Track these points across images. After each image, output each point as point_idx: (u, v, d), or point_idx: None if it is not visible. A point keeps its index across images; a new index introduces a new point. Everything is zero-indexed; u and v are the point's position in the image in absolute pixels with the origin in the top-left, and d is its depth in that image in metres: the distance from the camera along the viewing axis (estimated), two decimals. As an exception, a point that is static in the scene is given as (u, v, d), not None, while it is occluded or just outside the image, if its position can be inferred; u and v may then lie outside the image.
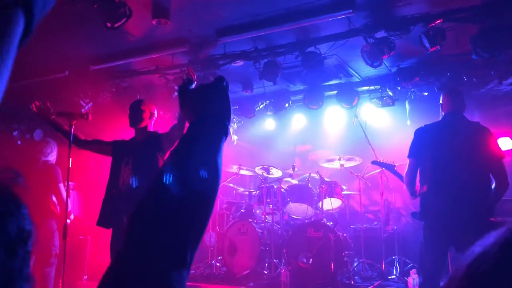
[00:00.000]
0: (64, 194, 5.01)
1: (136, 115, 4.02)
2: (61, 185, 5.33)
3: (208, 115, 1.00)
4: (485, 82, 6.00)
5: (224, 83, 1.04)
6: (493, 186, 3.76)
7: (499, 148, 3.89)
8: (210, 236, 7.20)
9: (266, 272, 5.90)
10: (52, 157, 5.63)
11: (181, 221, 0.88)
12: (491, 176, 3.77)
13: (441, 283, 3.78)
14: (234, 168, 6.93)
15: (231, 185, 7.11)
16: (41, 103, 3.93)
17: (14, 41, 0.64)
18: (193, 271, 6.70)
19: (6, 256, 0.65)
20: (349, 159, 6.49)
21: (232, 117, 1.05)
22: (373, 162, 5.56)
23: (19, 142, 7.79)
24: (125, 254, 0.84)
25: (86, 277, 6.06)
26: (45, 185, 5.25)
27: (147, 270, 0.84)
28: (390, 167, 5.16)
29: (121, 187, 3.84)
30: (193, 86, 3.66)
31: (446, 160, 3.80)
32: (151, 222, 0.87)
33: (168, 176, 0.91)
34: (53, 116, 3.96)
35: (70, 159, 3.98)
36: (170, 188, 0.90)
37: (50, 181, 5.31)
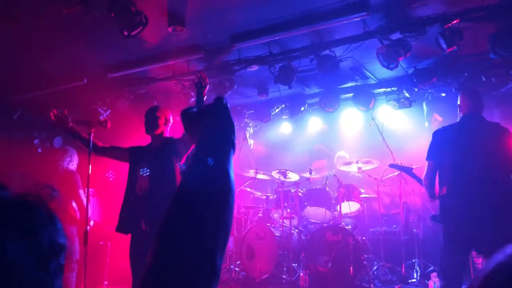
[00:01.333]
0: (84, 200, 5.08)
1: (151, 121, 4.06)
2: (81, 191, 5.40)
3: (214, 132, 1.06)
4: (504, 81, 5.90)
5: (224, 101, 1.10)
6: (513, 187, 3.70)
7: None
8: (228, 241, 7.22)
9: (284, 277, 5.88)
10: (73, 164, 5.70)
11: (207, 233, 0.91)
12: (511, 177, 3.71)
13: (463, 287, 3.72)
14: (251, 173, 6.94)
15: (248, 189, 7.12)
16: (59, 112, 4.00)
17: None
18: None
19: (37, 268, 0.68)
20: (366, 162, 6.45)
21: (236, 131, 1.12)
22: (391, 165, 5.51)
23: (39, 150, 7.93)
24: (156, 270, 0.85)
25: (107, 282, 6.12)
26: (66, 192, 5.33)
27: (179, 285, 0.85)
28: (408, 170, 5.10)
29: (138, 193, 3.88)
30: (206, 89, 3.66)
31: (465, 162, 3.75)
32: (178, 236, 0.89)
33: (189, 191, 0.95)
34: (71, 124, 4.02)
35: (90, 165, 4.04)
36: (193, 202, 0.93)
37: (70, 187, 5.38)
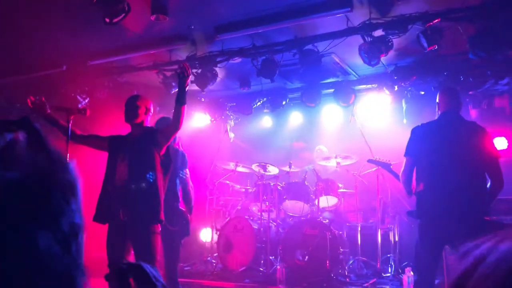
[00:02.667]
0: None
1: (131, 110, 4.02)
2: None
3: None
4: (482, 81, 6.02)
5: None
6: (488, 185, 3.79)
7: (495, 148, 3.91)
8: (206, 233, 7.21)
9: (262, 269, 5.91)
10: None
11: None
12: (486, 175, 3.79)
13: (436, 281, 3.80)
14: (231, 165, 6.94)
15: (228, 182, 7.12)
16: (36, 98, 3.91)
17: None
18: (189, 268, 6.71)
19: (63, 252, 0.71)
20: (345, 157, 6.51)
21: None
22: (369, 161, 5.58)
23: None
24: None
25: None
26: None
27: None
28: (385, 166, 5.17)
29: (117, 183, 3.84)
30: (188, 80, 3.63)
31: (442, 159, 3.82)
32: None
33: None
34: (49, 111, 3.93)
35: (68, 154, 3.96)
36: None
37: None
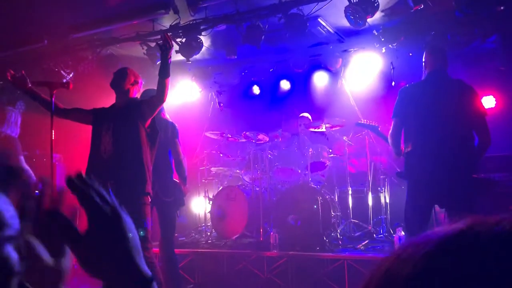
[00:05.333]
0: (26, 166, 4.82)
1: (120, 76, 3.97)
2: (21, 158, 4.91)
3: None
4: (469, 40, 5.98)
5: None
6: (476, 143, 3.81)
7: (482, 106, 3.92)
8: (199, 203, 7.25)
9: (255, 236, 5.98)
10: (17, 128, 5.10)
11: None
12: (474, 133, 3.81)
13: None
14: (221, 135, 6.91)
15: (218, 152, 7.11)
16: (16, 72, 3.83)
17: None
18: (183, 238, 6.77)
19: None
20: (335, 122, 6.49)
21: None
22: (357, 124, 5.57)
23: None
24: None
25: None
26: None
27: None
28: (373, 128, 5.18)
29: (103, 155, 3.80)
30: (171, 51, 3.55)
31: (429, 118, 3.82)
32: None
33: None
34: (30, 85, 3.86)
35: (53, 131, 3.89)
36: None
37: (9, 155, 4.86)
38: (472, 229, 0.50)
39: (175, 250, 4.88)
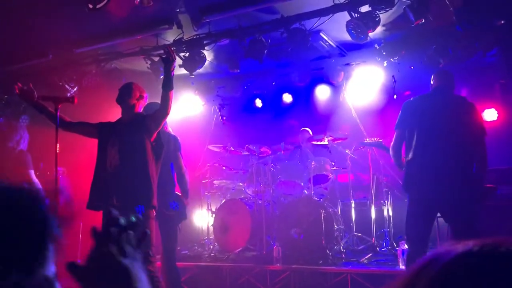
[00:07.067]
0: (36, 180, 4.92)
1: (125, 91, 4.00)
2: (31, 172, 5.07)
3: None
4: (470, 53, 6.02)
5: None
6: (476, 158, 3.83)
7: (482, 125, 3.95)
8: (202, 216, 7.24)
9: (258, 249, 5.96)
10: (23, 142, 5.26)
11: None
12: (474, 149, 3.83)
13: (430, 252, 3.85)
14: (224, 148, 6.93)
15: (221, 165, 7.12)
16: (24, 85, 3.88)
17: None
18: (186, 251, 6.76)
19: None
20: (337, 135, 6.51)
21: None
22: (361, 143, 5.63)
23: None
24: None
25: (80, 261, 6.06)
26: (15, 174, 4.96)
27: None
28: (377, 144, 5.21)
29: (109, 169, 3.83)
30: (174, 65, 3.58)
31: (430, 132, 3.85)
32: None
33: None
34: (37, 99, 3.90)
35: (58, 144, 3.92)
36: None
37: (21, 169, 5.01)
38: (481, 249, 0.52)
39: (177, 263, 4.88)
